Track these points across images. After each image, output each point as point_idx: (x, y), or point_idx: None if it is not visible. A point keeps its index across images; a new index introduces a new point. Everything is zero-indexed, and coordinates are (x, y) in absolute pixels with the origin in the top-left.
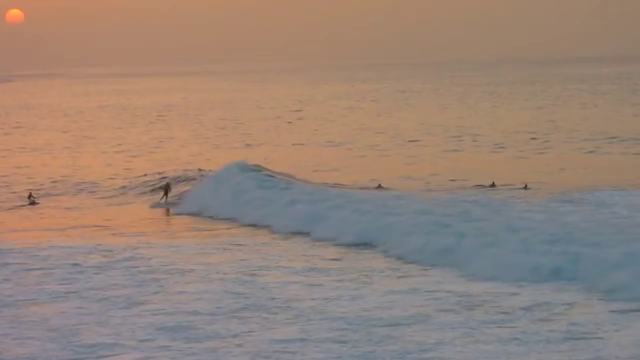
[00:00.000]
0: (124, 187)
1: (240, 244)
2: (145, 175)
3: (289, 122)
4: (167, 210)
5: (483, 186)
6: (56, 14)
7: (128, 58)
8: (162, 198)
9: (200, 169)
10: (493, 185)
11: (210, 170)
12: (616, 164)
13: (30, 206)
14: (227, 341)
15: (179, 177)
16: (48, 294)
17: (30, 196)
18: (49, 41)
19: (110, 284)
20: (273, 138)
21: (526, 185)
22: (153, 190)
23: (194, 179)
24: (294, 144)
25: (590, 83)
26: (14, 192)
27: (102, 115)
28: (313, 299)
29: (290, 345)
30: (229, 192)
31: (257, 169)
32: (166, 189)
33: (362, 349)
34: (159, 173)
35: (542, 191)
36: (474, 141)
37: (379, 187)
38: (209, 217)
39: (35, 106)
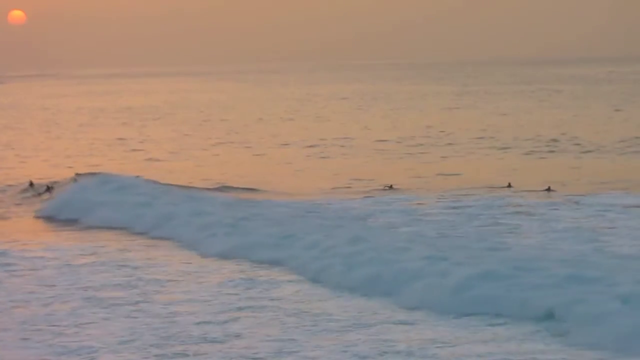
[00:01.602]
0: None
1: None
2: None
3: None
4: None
5: (496, 187)
6: (58, 15)
7: (128, 59)
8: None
9: (78, 174)
10: (509, 186)
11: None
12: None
13: (47, 193)
14: (219, 343)
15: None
16: (34, 296)
17: (31, 184)
18: (50, 42)
19: (100, 285)
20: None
21: (549, 188)
22: None
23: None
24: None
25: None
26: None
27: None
28: (308, 300)
29: (286, 345)
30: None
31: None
32: (48, 188)
33: (358, 349)
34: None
35: (557, 194)
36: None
37: (390, 187)
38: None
39: (14, 106)
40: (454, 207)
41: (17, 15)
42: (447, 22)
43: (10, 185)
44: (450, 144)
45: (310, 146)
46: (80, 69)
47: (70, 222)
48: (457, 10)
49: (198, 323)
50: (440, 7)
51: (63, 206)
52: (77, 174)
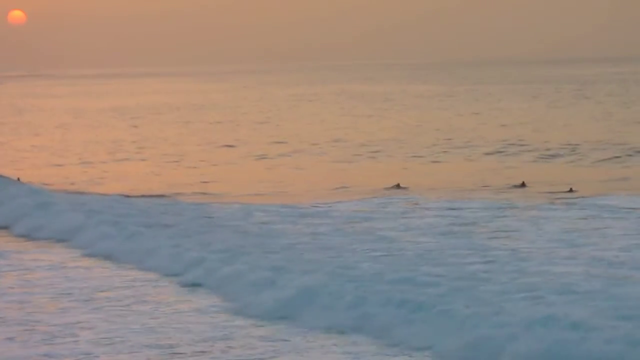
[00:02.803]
0: None
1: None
2: None
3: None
4: None
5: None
6: (58, 15)
7: (129, 59)
8: None
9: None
10: (523, 185)
11: None
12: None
13: None
14: (214, 344)
15: None
16: (27, 296)
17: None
18: (50, 42)
19: (93, 287)
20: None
21: (571, 189)
22: None
23: None
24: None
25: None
26: None
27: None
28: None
29: (277, 343)
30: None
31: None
32: None
33: (357, 349)
34: None
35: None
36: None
37: (398, 186)
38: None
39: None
40: (451, 209)
41: (17, 15)
42: (447, 22)
43: None
44: (448, 142)
45: (279, 146)
46: (80, 69)
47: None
48: (457, 10)
49: (194, 324)
50: (441, 7)
51: None
52: None
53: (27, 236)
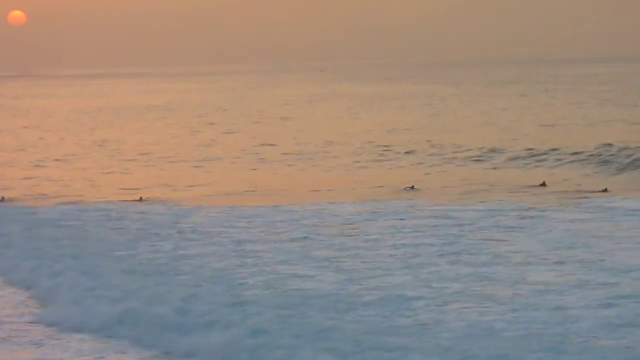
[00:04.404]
0: None
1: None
2: None
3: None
4: None
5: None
6: (58, 15)
7: (127, 59)
8: None
9: None
10: (543, 184)
11: None
12: None
13: None
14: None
15: None
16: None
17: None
18: (50, 42)
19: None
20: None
21: (606, 189)
22: None
23: None
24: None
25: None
26: None
27: None
28: None
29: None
30: None
31: None
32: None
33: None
34: None
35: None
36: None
37: (412, 188)
38: None
39: None
40: (452, 211)
41: (17, 15)
42: (446, 22)
43: None
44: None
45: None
46: (80, 69)
47: None
48: (457, 9)
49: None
50: (440, 7)
51: None
52: None
53: None
